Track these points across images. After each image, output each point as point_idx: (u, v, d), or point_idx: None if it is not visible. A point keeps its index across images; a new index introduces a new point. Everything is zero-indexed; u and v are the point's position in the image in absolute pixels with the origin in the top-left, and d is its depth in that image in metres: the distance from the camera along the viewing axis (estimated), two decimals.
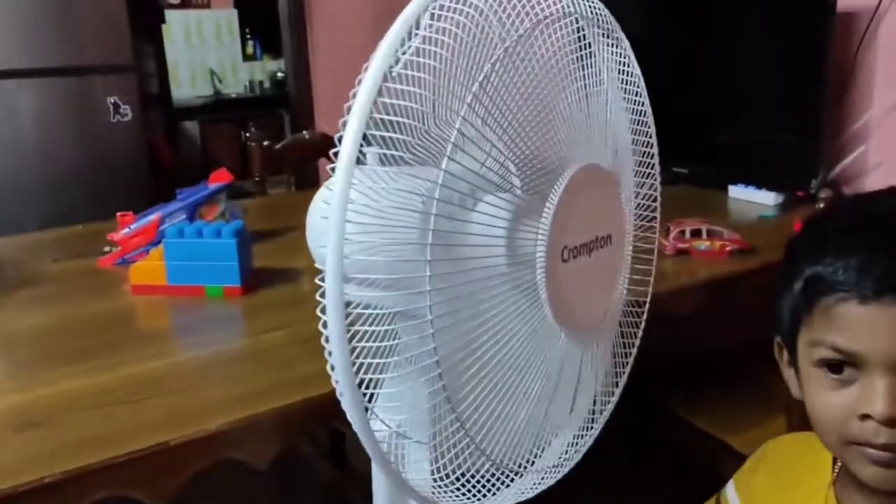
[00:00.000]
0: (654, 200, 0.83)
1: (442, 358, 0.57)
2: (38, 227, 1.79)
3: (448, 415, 0.59)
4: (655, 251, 0.84)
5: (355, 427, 0.57)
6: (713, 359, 1.55)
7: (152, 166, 2.98)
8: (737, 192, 1.80)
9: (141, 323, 1.21)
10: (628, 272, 0.81)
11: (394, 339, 0.59)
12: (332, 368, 0.56)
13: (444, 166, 0.56)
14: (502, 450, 0.66)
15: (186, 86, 5.51)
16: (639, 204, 0.83)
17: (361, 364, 0.55)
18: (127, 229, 1.44)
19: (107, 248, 1.46)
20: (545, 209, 0.62)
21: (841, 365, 0.65)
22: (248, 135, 2.18)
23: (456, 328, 0.59)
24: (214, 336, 1.12)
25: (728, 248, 1.37)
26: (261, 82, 5.82)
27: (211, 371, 1.00)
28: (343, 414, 0.59)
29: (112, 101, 2.44)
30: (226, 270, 1.23)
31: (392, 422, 0.62)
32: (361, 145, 0.55)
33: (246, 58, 5.82)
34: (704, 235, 1.39)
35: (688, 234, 1.39)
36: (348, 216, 0.53)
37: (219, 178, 1.50)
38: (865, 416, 0.63)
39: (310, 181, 2.50)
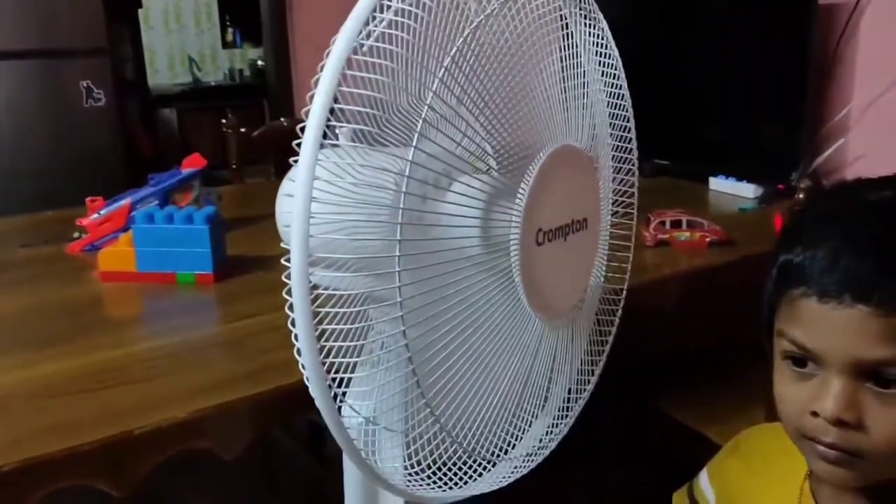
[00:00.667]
0: (632, 186, 0.82)
1: (412, 343, 0.55)
2: (11, 212, 1.75)
3: (418, 400, 0.57)
4: (633, 238, 0.83)
5: (323, 414, 0.55)
6: (693, 351, 1.55)
7: (130, 154, 2.93)
8: (717, 183, 1.79)
9: (109, 310, 1.19)
10: (605, 259, 0.80)
11: (363, 322, 0.57)
12: (299, 353, 0.54)
13: (415, 143, 0.54)
14: (475, 438, 0.64)
15: (164, 72, 5.45)
16: (616, 189, 0.81)
17: (330, 348, 0.53)
18: (96, 215, 1.41)
19: (76, 234, 1.43)
20: (520, 190, 0.61)
21: (804, 359, 0.64)
22: (224, 122, 2.14)
23: (427, 311, 0.57)
24: (185, 323, 1.09)
25: (708, 240, 1.37)
26: (240, 70, 5.76)
27: (181, 359, 0.97)
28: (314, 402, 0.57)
29: (85, 85, 2.38)
30: (198, 257, 1.21)
31: (362, 409, 0.60)
32: (329, 120, 0.52)
33: (225, 45, 5.76)
34: (685, 226, 1.38)
35: (668, 225, 1.38)
36: (315, 193, 0.51)
37: (192, 164, 1.47)
38: (816, 413, 0.63)
39: (289, 169, 2.45)
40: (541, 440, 0.75)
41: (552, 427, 0.76)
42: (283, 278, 0.54)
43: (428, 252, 0.58)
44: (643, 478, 1.75)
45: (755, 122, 1.72)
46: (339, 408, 0.57)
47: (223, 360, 0.97)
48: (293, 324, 0.53)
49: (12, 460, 0.73)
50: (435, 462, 0.62)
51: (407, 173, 0.53)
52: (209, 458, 0.87)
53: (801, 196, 1.44)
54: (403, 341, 0.55)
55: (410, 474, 0.65)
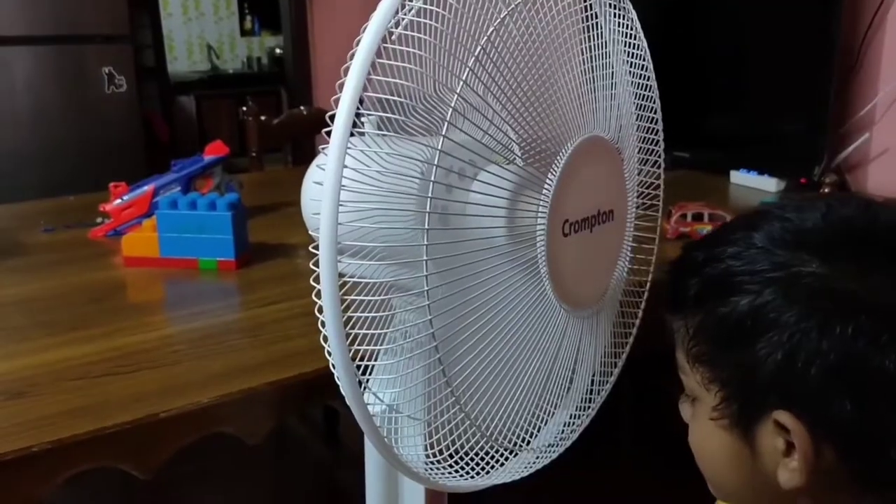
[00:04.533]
0: (658, 178, 0.81)
1: (438, 332, 0.56)
2: (32, 196, 1.77)
3: (443, 389, 0.57)
4: (658, 230, 0.83)
5: (348, 400, 0.55)
6: None
7: (148, 140, 2.94)
8: (739, 177, 1.78)
9: (132, 294, 1.20)
10: (630, 251, 0.79)
11: (388, 311, 0.57)
12: (325, 339, 0.54)
13: (444, 132, 0.54)
14: (498, 426, 0.64)
15: (183, 60, 5.46)
16: (642, 182, 0.81)
17: (356, 336, 0.54)
18: (119, 200, 1.42)
19: (99, 219, 1.44)
20: (547, 181, 0.61)
21: None
22: (244, 110, 2.15)
23: (453, 301, 0.57)
24: (207, 309, 1.10)
25: None
26: (259, 59, 5.77)
27: (204, 344, 0.98)
28: (337, 389, 0.58)
29: (107, 71, 2.40)
30: (220, 243, 1.21)
31: (386, 396, 0.60)
32: (359, 110, 0.53)
33: (244, 33, 5.77)
34: (706, 219, 1.37)
35: (689, 218, 1.38)
36: (343, 182, 0.51)
37: (214, 151, 1.48)
38: None
39: (307, 157, 2.47)
40: (563, 430, 0.75)
41: (574, 418, 0.76)
42: (310, 265, 0.54)
43: (454, 242, 0.58)
44: (659, 467, 1.75)
45: (778, 114, 1.71)
46: (363, 394, 0.57)
47: (246, 346, 0.98)
48: (320, 311, 0.53)
49: (41, 441, 0.74)
50: (457, 451, 0.62)
51: (436, 162, 0.53)
52: (221, 443, 0.88)
53: (825, 191, 1.43)
54: (430, 330, 0.55)
55: (431, 462, 0.65)
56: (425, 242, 0.54)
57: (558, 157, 0.61)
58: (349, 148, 0.52)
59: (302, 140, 2.33)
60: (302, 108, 2.32)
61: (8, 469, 0.73)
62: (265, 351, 0.95)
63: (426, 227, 0.54)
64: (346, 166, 0.52)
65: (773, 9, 1.70)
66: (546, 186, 0.61)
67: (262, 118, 2.15)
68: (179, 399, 0.83)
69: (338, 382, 0.55)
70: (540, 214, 0.60)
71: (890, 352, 0.50)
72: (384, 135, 0.57)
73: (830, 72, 1.58)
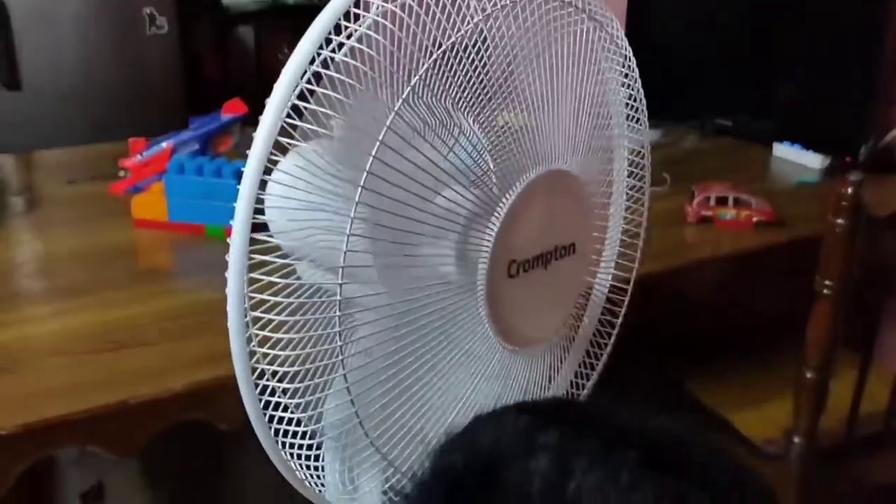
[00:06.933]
0: (640, 191, 0.76)
1: (352, 374, 0.54)
2: (75, 139, 1.79)
3: (356, 430, 0.55)
4: (637, 261, 0.77)
5: (263, 444, 0.54)
6: (730, 336, 1.48)
7: (197, 78, 2.91)
8: (782, 150, 1.68)
9: (136, 261, 1.20)
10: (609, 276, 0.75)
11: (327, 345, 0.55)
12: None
13: (368, 167, 0.51)
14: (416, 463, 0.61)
15: None
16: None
17: (266, 387, 0.52)
18: (139, 156, 1.42)
19: (122, 173, 1.44)
20: (490, 223, 0.57)
21: None
22: (279, 56, 2.11)
23: (386, 324, 0.55)
24: (208, 280, 1.08)
25: (754, 220, 1.29)
26: None
27: (196, 321, 0.96)
28: None
29: (148, 12, 2.37)
30: (227, 211, 1.20)
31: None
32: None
33: None
34: (731, 203, 1.30)
35: (713, 202, 1.30)
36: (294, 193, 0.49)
37: (232, 109, 1.46)
38: None
39: None
40: None
41: None
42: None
43: (397, 264, 0.56)
44: None
45: (827, 88, 1.59)
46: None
47: None
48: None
49: (9, 424, 0.76)
50: (392, 487, 0.61)
51: (352, 215, 0.50)
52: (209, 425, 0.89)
53: (853, 178, 1.31)
54: (342, 371, 0.53)
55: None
56: (342, 264, 0.51)
57: (505, 196, 0.57)
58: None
59: None
60: None
61: None
62: None
63: (345, 249, 0.51)
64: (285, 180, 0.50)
65: None
66: (489, 228, 0.56)
67: None
68: (157, 383, 0.83)
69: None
70: (481, 260, 0.56)
71: None
72: (321, 153, 0.54)
73: (885, 47, 1.45)
